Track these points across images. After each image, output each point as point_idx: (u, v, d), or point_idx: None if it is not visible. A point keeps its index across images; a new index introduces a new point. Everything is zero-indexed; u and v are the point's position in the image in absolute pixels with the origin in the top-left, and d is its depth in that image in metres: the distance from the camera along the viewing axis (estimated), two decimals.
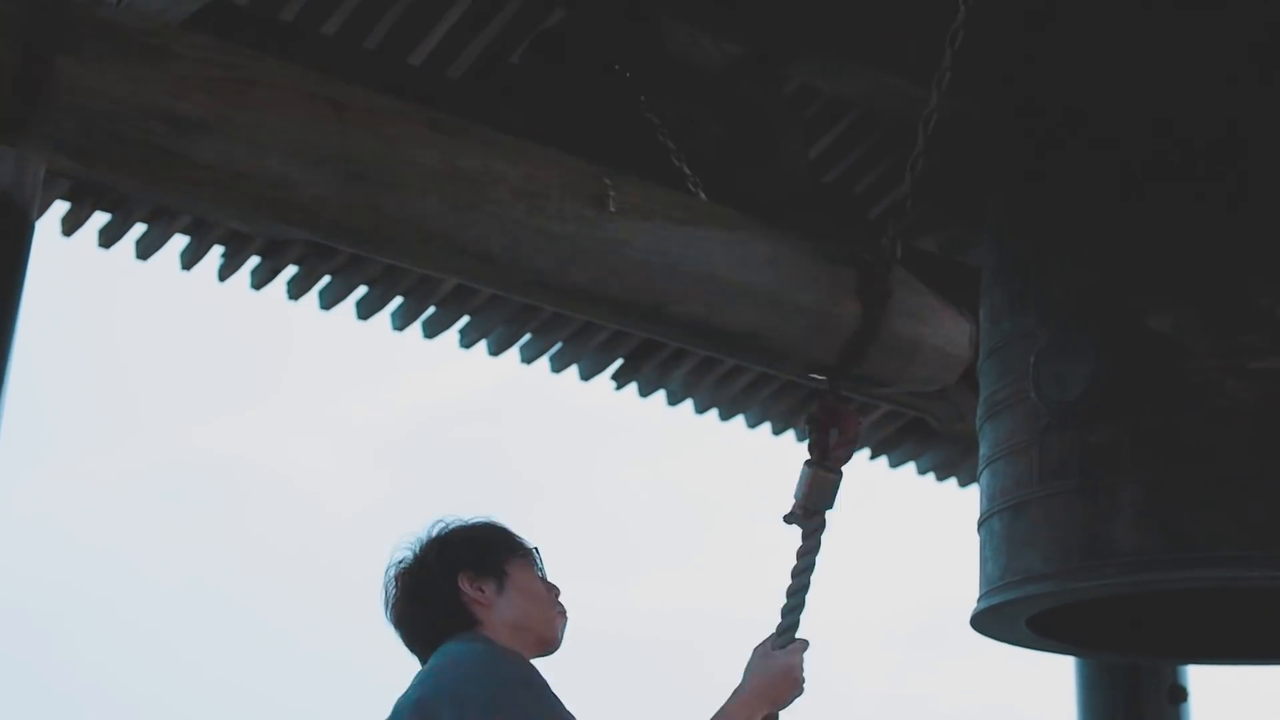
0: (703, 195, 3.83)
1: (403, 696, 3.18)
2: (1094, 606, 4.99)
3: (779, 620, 3.65)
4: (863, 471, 6.95)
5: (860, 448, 6.91)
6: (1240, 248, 4.53)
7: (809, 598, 3.69)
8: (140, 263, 5.81)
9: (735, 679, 3.43)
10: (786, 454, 6.86)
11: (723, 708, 3.37)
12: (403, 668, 3.28)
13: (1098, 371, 4.48)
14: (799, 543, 3.74)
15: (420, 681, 3.20)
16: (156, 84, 2.90)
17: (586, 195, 3.35)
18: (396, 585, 3.36)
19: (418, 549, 3.37)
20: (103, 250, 5.75)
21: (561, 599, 3.39)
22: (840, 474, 3.73)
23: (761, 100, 5.55)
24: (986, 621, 4.78)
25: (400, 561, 3.37)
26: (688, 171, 3.66)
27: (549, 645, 3.34)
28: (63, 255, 5.77)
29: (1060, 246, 4.74)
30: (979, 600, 4.74)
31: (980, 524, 4.82)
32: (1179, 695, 6.09)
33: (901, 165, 5.85)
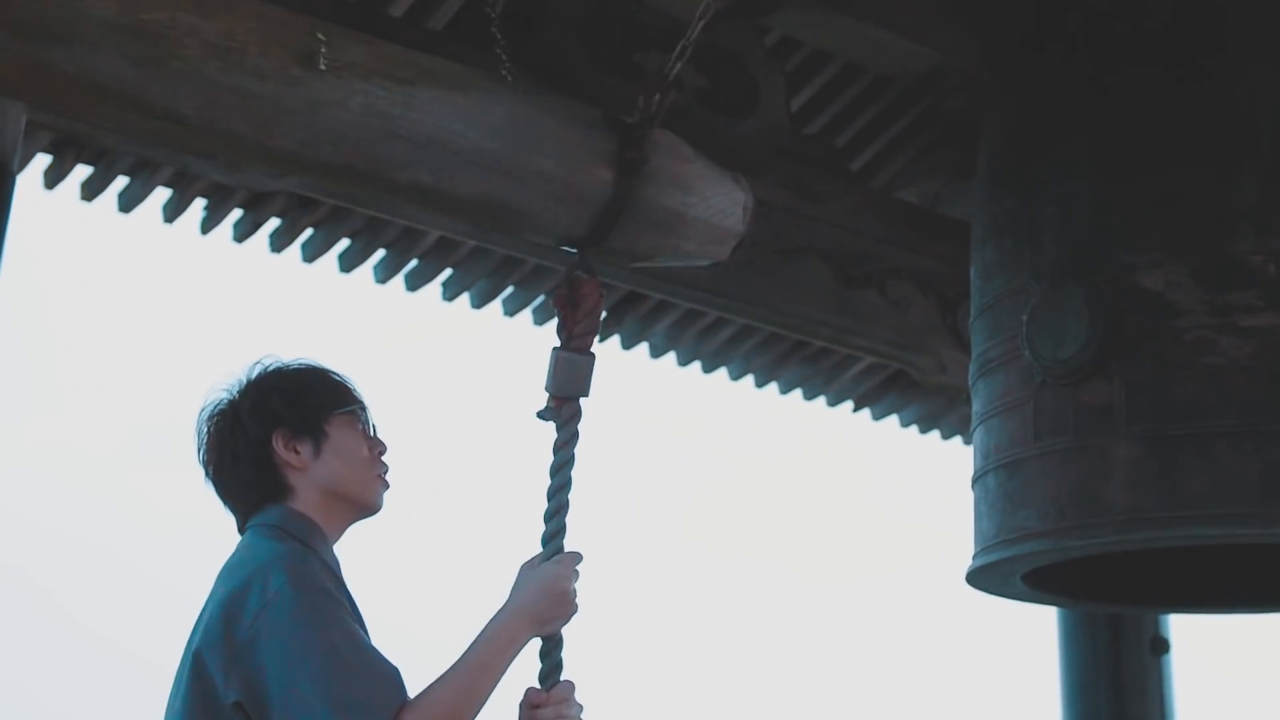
0: (508, 78, 3.52)
1: (210, 594, 3.03)
2: (1083, 559, 5.01)
3: (543, 539, 3.31)
4: (845, 424, 6.98)
5: (842, 400, 6.93)
6: (1231, 205, 4.53)
7: (571, 498, 3.35)
8: (122, 216, 5.80)
9: None
10: (765, 405, 6.86)
11: (480, 631, 3.06)
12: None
13: (1091, 329, 4.50)
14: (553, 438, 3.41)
15: (218, 581, 3.02)
16: None
17: (293, 51, 3.12)
18: (207, 434, 3.16)
19: (234, 394, 3.16)
20: (85, 203, 5.74)
21: (388, 458, 3.19)
22: (592, 355, 3.46)
23: (742, 52, 5.56)
24: (982, 578, 4.82)
25: (215, 405, 3.17)
26: (499, 36, 3.44)
27: (366, 511, 3.16)
28: (45, 208, 5.77)
29: (1050, 204, 4.74)
30: (974, 557, 4.77)
31: (974, 481, 4.84)
32: (1160, 647, 6.12)
33: (884, 117, 5.93)
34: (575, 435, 3.41)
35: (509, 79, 3.44)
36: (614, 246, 3.52)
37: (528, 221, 3.46)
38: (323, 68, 3.11)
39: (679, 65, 3.47)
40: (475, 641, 3.04)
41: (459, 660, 3.01)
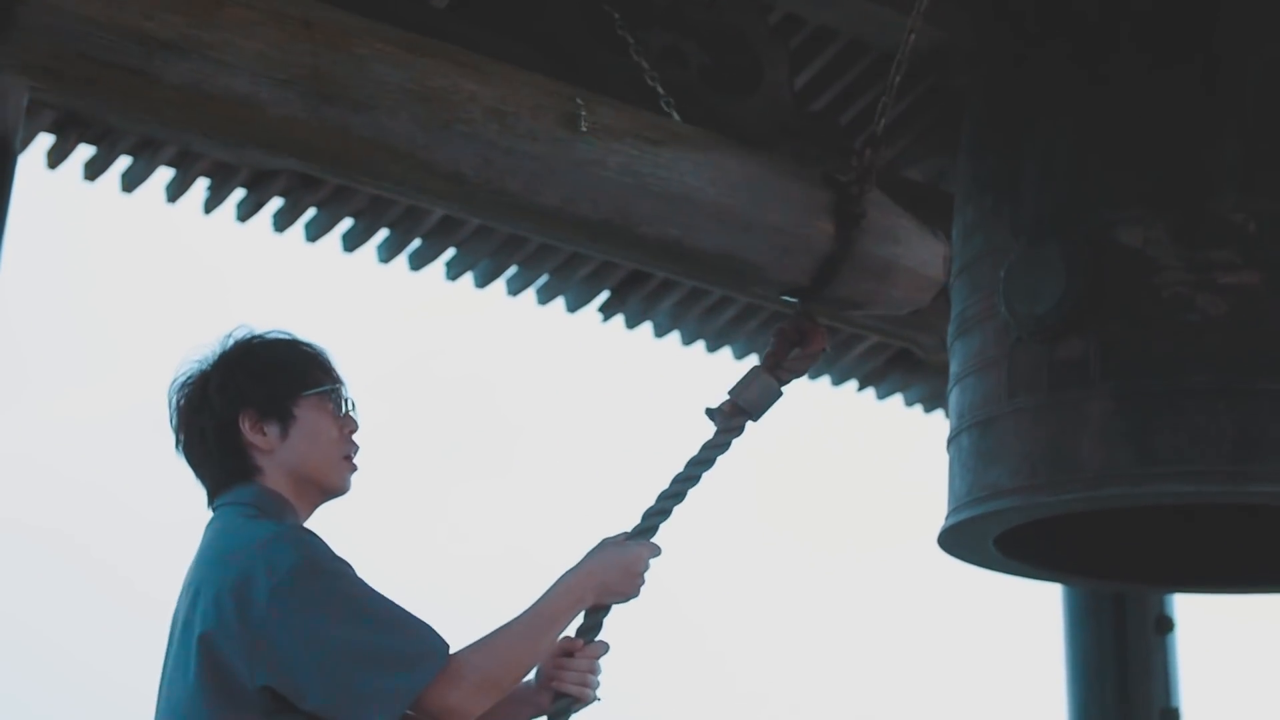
0: (676, 116, 3.80)
1: (187, 575, 3.00)
2: (1078, 532, 4.99)
3: (640, 519, 3.40)
4: (849, 404, 6.97)
5: (846, 380, 6.93)
6: (1211, 162, 4.51)
7: (682, 506, 3.43)
8: (125, 195, 5.80)
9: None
10: None
11: (549, 587, 3.09)
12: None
13: (1068, 286, 4.47)
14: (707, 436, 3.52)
15: (206, 565, 2.98)
16: (129, 3, 2.88)
17: (558, 115, 3.31)
18: (177, 404, 3.11)
19: (205, 366, 3.11)
20: (88, 183, 5.74)
21: (358, 436, 3.13)
22: (782, 390, 3.57)
23: (746, 29, 5.55)
24: (952, 540, 4.76)
25: (186, 376, 3.12)
26: (661, 92, 3.64)
27: (333, 494, 3.11)
28: (48, 188, 5.77)
29: (1030, 161, 4.72)
30: (946, 518, 4.72)
31: (949, 442, 4.80)
32: (1165, 626, 6.11)
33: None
34: (727, 445, 3.51)
35: (675, 117, 3.67)
36: (833, 295, 3.73)
37: (761, 275, 3.67)
38: (584, 130, 3.33)
39: (883, 123, 3.71)
40: (543, 595, 3.07)
41: (525, 611, 3.03)
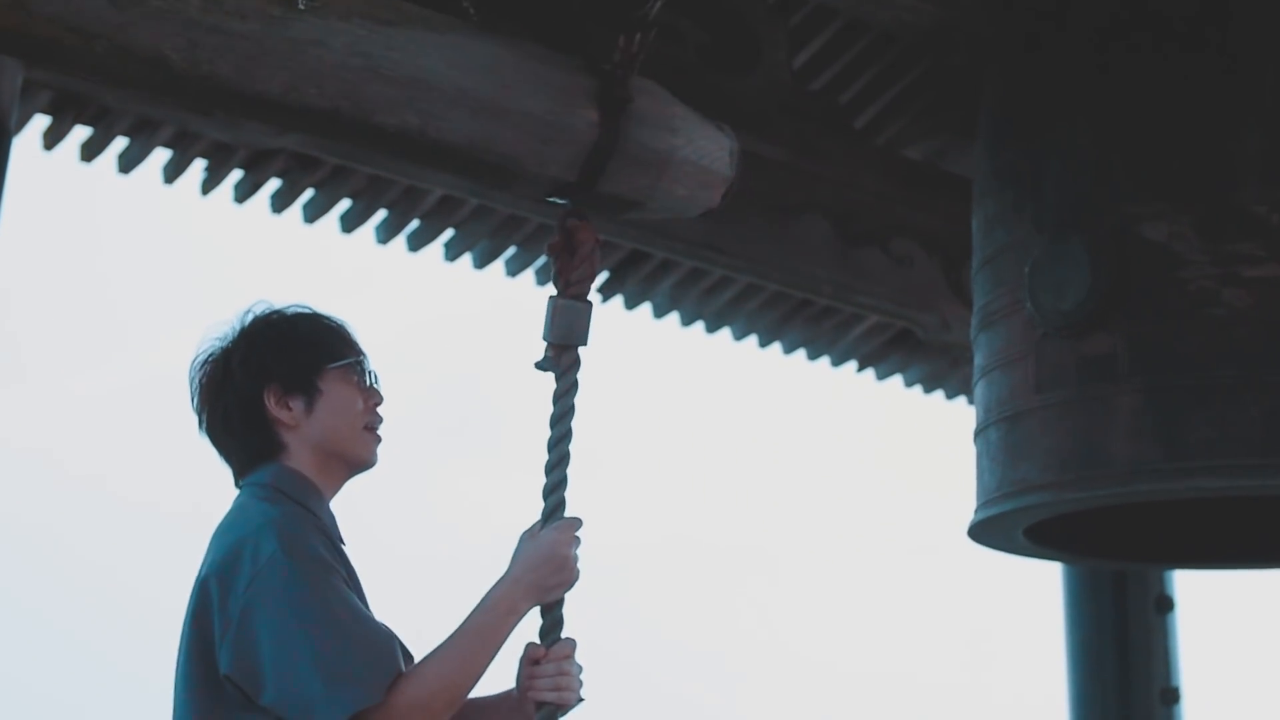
0: (470, 11, 3.48)
1: (205, 554, 2.97)
2: (1087, 514, 5.00)
3: (544, 501, 3.21)
4: (846, 384, 6.96)
5: (845, 360, 6.91)
6: (1235, 155, 4.51)
7: (570, 452, 3.24)
8: (122, 177, 5.78)
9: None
10: (768, 365, 6.84)
11: (479, 602, 2.97)
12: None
13: (1094, 281, 4.48)
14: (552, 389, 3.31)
15: (211, 545, 2.96)
16: None
17: None
18: (200, 384, 3.07)
19: (227, 343, 3.07)
20: (84, 165, 5.72)
21: (383, 409, 3.09)
22: (589, 303, 3.35)
23: (744, 7, 5.54)
24: (983, 532, 4.81)
25: (208, 354, 3.08)
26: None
27: (360, 467, 3.07)
28: (44, 169, 5.75)
29: (1053, 155, 4.72)
30: (976, 511, 4.76)
31: (976, 435, 4.83)
32: (1165, 605, 6.11)
33: (888, 73, 5.91)
34: (575, 385, 3.33)
35: (471, 12, 3.38)
36: (605, 192, 3.45)
37: (520, 168, 3.39)
38: (302, 7, 3.06)
39: (658, 6, 3.42)
40: (473, 612, 2.97)
41: (456, 631, 2.94)
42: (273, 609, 2.81)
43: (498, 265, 6.35)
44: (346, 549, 3.07)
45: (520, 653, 3.15)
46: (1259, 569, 5.42)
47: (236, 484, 3.10)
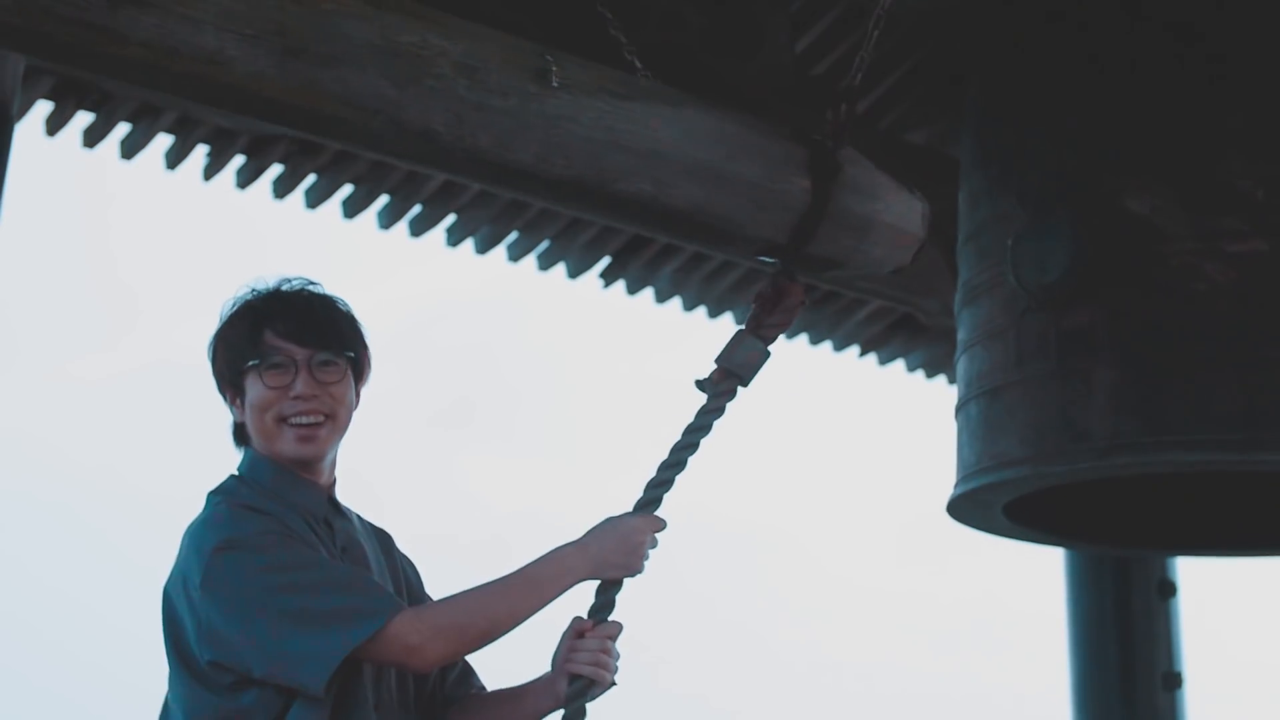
0: (642, 70, 3.72)
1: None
2: (1082, 497, 4.99)
3: (643, 491, 3.30)
4: (849, 369, 6.96)
5: (847, 345, 6.91)
6: (1219, 128, 4.49)
7: (682, 476, 3.34)
8: (125, 162, 5.81)
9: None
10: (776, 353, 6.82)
11: (546, 553, 3.04)
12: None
13: (1076, 254, 4.46)
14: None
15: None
16: None
17: (527, 70, 3.28)
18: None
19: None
20: (87, 150, 5.75)
21: (313, 403, 3.05)
22: (768, 351, 3.53)
23: None
24: (962, 508, 4.78)
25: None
26: (639, 66, 3.60)
27: (289, 460, 3.06)
28: (47, 155, 5.78)
29: (1037, 129, 4.71)
30: (955, 486, 4.74)
31: (957, 410, 4.80)
32: (1168, 590, 6.09)
33: (890, 57, 5.89)
34: (721, 411, 3.46)
35: (644, 77, 3.58)
36: (812, 253, 3.67)
37: (737, 231, 3.62)
38: (555, 85, 3.30)
39: (860, 77, 3.70)
40: (533, 560, 3.03)
41: (510, 573, 3.00)
42: (232, 591, 2.87)
43: (499, 250, 6.36)
44: (351, 525, 3.15)
45: (564, 628, 3.19)
46: (1261, 555, 5.40)
47: None
